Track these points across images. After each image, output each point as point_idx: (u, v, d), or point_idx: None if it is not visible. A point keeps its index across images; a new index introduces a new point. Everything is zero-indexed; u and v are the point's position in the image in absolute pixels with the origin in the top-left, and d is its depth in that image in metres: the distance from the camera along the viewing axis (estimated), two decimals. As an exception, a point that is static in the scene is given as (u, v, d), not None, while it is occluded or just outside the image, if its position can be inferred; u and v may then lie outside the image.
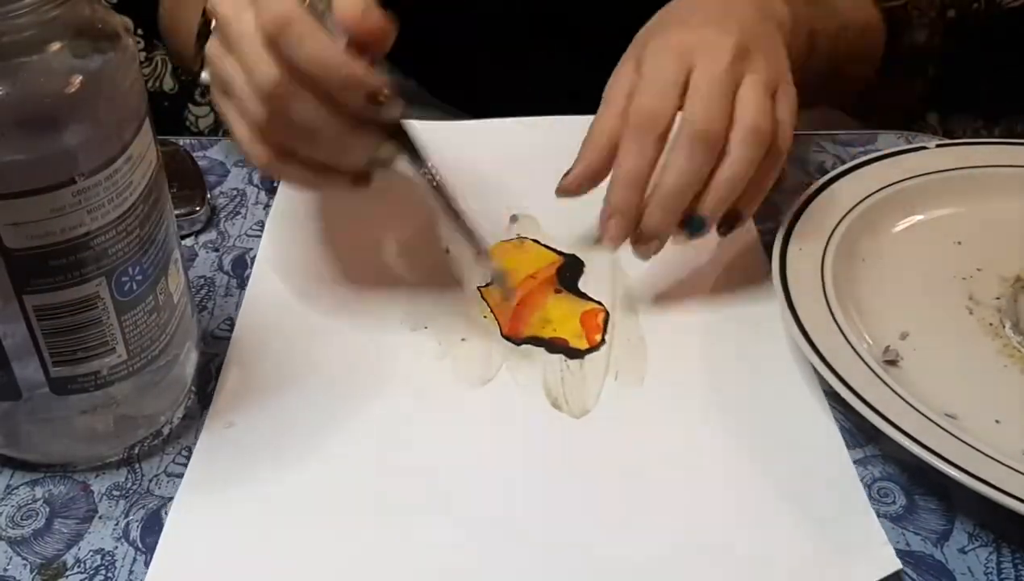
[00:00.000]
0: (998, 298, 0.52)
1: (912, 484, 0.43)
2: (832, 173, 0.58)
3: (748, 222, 0.53)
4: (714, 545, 0.40)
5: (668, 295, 0.53)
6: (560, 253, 0.56)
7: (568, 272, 0.55)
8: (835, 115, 0.91)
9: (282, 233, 0.57)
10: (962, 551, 0.41)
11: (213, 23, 0.45)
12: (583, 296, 0.53)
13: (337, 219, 0.58)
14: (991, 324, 0.51)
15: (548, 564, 0.40)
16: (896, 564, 0.39)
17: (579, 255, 0.56)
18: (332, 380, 0.48)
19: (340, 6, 0.42)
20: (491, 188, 0.61)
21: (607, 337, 0.50)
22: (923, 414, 0.42)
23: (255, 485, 0.42)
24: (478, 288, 0.54)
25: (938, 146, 0.61)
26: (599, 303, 0.53)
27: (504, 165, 0.62)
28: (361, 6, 0.42)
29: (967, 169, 0.59)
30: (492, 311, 0.52)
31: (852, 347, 0.46)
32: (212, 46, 0.46)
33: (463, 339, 0.50)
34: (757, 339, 0.50)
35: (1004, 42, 1.00)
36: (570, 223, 0.57)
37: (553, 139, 0.63)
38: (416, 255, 0.56)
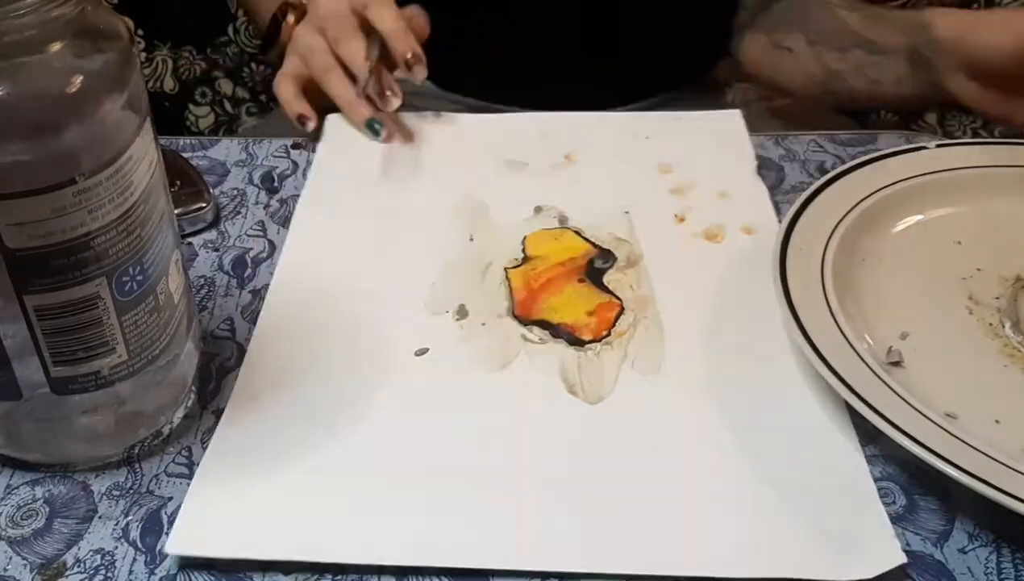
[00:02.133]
0: (998, 298, 0.52)
1: (912, 484, 0.43)
2: (832, 173, 0.58)
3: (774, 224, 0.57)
4: (721, 532, 0.40)
5: (691, 294, 0.53)
6: (596, 245, 0.57)
7: (596, 264, 0.56)
8: (835, 115, 0.91)
9: (310, 220, 0.59)
10: (962, 551, 0.41)
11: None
12: (604, 289, 0.54)
13: (364, 206, 0.60)
14: (991, 324, 0.51)
15: (560, 544, 0.40)
16: (901, 557, 0.39)
17: (613, 250, 0.56)
18: (353, 364, 0.49)
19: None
20: (513, 180, 0.63)
21: (619, 330, 0.51)
22: (923, 414, 0.42)
23: (275, 459, 0.43)
24: (505, 270, 0.55)
25: (938, 146, 0.61)
26: (617, 298, 0.53)
27: (523, 157, 0.64)
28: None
29: (967, 169, 0.59)
30: (512, 293, 0.53)
31: (852, 347, 0.46)
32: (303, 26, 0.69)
33: (483, 324, 0.51)
34: (773, 337, 0.50)
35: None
36: (595, 214, 0.59)
37: (574, 133, 0.66)
38: (440, 242, 0.57)
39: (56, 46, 0.35)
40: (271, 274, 0.55)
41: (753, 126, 0.67)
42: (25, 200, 0.35)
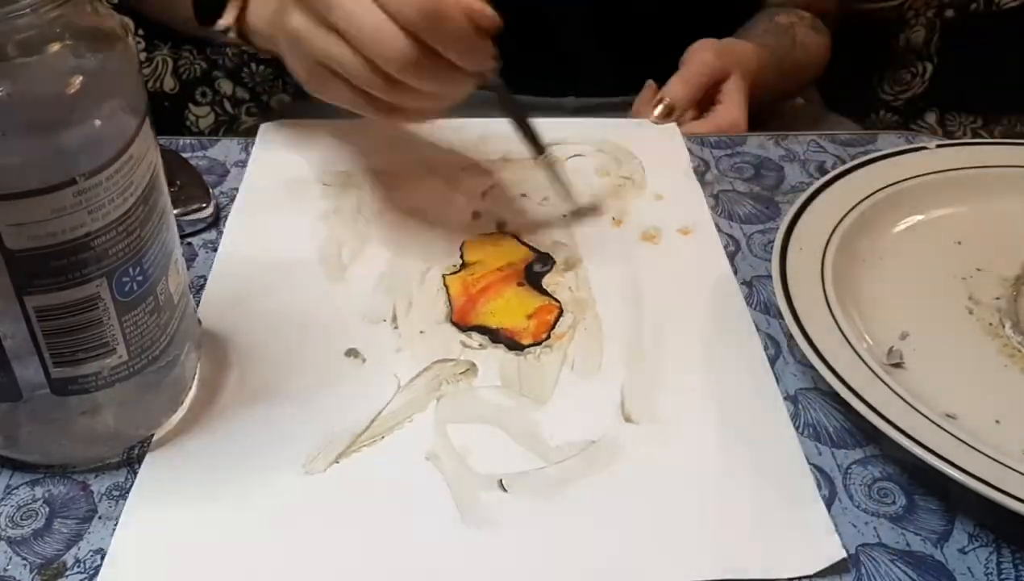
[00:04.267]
0: (998, 298, 0.52)
1: (912, 484, 0.43)
2: (832, 173, 0.58)
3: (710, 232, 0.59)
4: (657, 532, 0.41)
5: (629, 295, 0.54)
6: (534, 249, 0.57)
7: (535, 267, 0.56)
8: (835, 115, 0.91)
9: (244, 226, 0.58)
10: (962, 551, 0.41)
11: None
12: (543, 292, 0.54)
13: (300, 211, 0.59)
14: (991, 324, 0.51)
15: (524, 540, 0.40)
16: (841, 552, 0.40)
17: (551, 253, 0.57)
18: (294, 368, 0.48)
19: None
20: (449, 184, 0.63)
21: (558, 333, 0.51)
22: (923, 414, 0.42)
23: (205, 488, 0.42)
24: (443, 276, 0.54)
25: (938, 146, 0.61)
26: (556, 300, 0.53)
27: (460, 161, 0.64)
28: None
29: (967, 169, 0.59)
30: (450, 299, 0.53)
31: (852, 347, 0.46)
32: (303, 23, 0.50)
33: (421, 332, 0.51)
34: (712, 334, 0.51)
35: (1002, 42, 1.00)
36: (533, 218, 0.59)
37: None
38: (374, 248, 0.57)
39: (55, 47, 0.35)
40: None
41: (755, 126, 0.67)
42: (25, 201, 0.35)
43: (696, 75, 0.73)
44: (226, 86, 1.15)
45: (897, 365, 0.47)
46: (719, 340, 0.51)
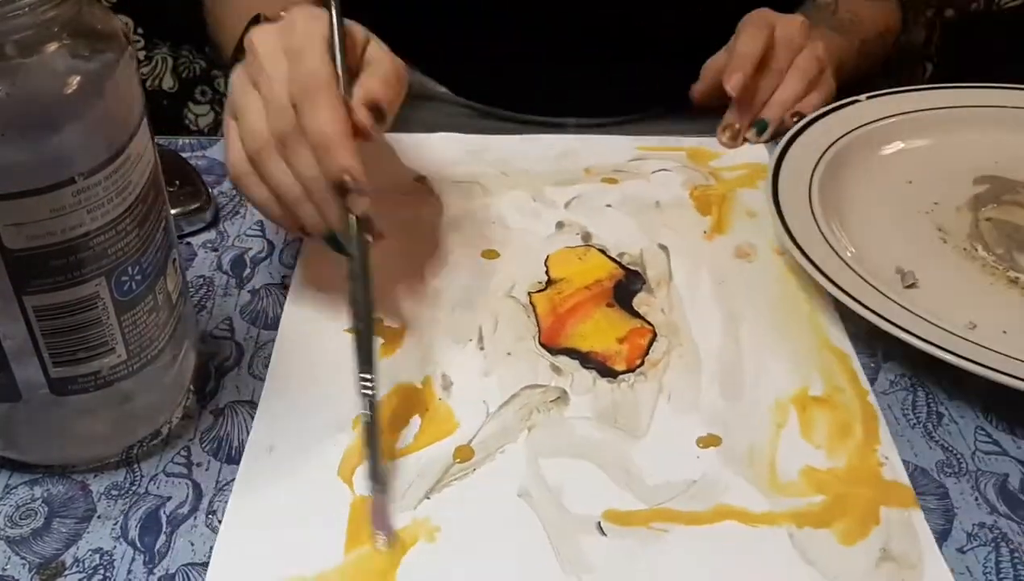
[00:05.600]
0: (963, 226, 0.58)
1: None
2: (777, 150, 0.61)
3: None
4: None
5: (726, 319, 0.51)
6: (623, 266, 0.55)
7: (625, 287, 0.53)
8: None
9: (317, 253, 0.55)
10: (962, 551, 0.41)
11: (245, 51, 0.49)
12: (635, 314, 0.51)
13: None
14: (965, 249, 0.56)
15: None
16: None
17: (641, 270, 0.54)
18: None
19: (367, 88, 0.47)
20: (531, 195, 0.61)
21: (652, 359, 0.49)
22: (941, 327, 0.47)
23: (297, 509, 0.41)
24: (529, 294, 0.53)
25: (868, 98, 0.66)
26: (648, 323, 0.51)
27: (541, 173, 0.63)
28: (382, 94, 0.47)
29: (902, 115, 0.66)
30: (538, 319, 0.51)
31: (865, 280, 0.50)
32: (238, 73, 0.50)
33: (508, 354, 0.49)
34: (808, 356, 0.49)
35: (1002, 42, 1.00)
36: (620, 230, 0.57)
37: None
38: (459, 263, 0.54)
39: (53, 47, 0.35)
40: (270, 275, 0.55)
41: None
42: (24, 200, 0.35)
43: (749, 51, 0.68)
44: (225, 85, 1.15)
45: (912, 286, 0.52)
46: (808, 356, 0.49)
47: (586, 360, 0.48)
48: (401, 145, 0.64)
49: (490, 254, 0.56)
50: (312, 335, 0.50)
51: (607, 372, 0.48)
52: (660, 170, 0.63)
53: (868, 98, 0.66)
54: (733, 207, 0.60)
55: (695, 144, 0.67)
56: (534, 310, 0.51)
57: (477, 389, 0.47)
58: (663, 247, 0.56)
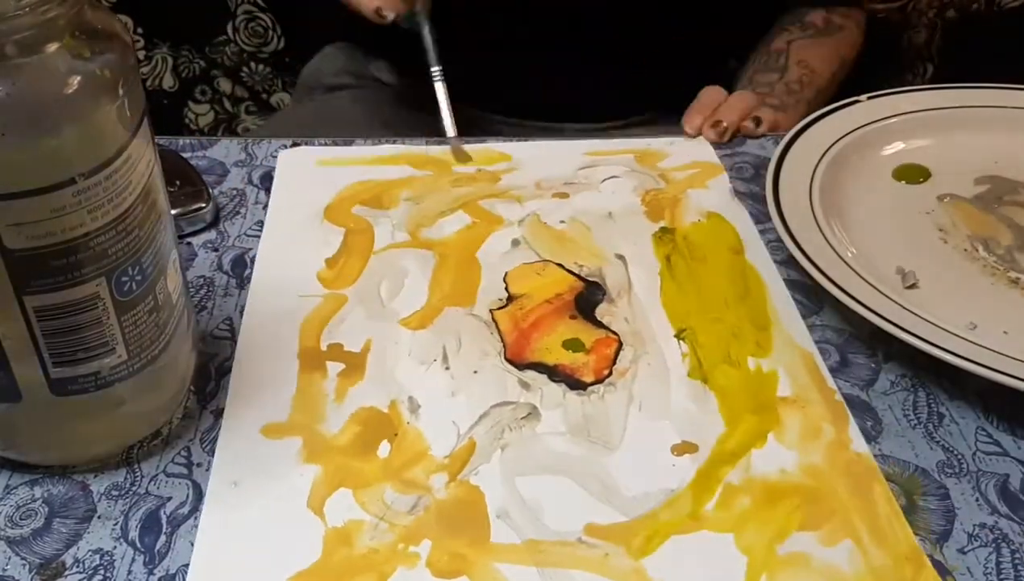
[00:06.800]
0: (963, 228, 0.57)
1: (912, 484, 0.43)
2: (782, 143, 0.62)
3: None
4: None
5: (689, 323, 0.51)
6: (582, 278, 0.55)
7: (586, 298, 0.53)
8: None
9: (272, 257, 0.56)
10: (962, 551, 0.41)
11: None
12: (599, 324, 0.51)
13: (330, 240, 0.57)
14: (966, 250, 0.56)
15: None
16: None
17: (600, 281, 0.54)
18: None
19: None
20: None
21: (620, 368, 0.48)
22: (938, 325, 0.47)
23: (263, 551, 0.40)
24: (490, 311, 0.52)
25: (869, 98, 0.66)
26: (614, 333, 0.51)
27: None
28: None
29: (902, 115, 0.66)
30: (501, 335, 0.51)
31: (862, 277, 0.50)
32: None
33: (475, 372, 0.48)
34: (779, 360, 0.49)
35: (1003, 42, 1.00)
36: (568, 247, 0.57)
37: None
38: (415, 283, 0.54)
39: (53, 47, 0.35)
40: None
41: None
42: (24, 201, 0.35)
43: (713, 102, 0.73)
44: (225, 84, 1.15)
45: (913, 286, 0.52)
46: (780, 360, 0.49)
47: (554, 373, 0.48)
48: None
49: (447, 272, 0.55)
50: (266, 368, 0.49)
51: (576, 384, 0.47)
52: (610, 178, 0.63)
53: (868, 98, 0.66)
54: (685, 209, 0.61)
55: (643, 145, 0.67)
56: (497, 327, 0.51)
57: (446, 410, 0.46)
58: (620, 257, 0.56)
